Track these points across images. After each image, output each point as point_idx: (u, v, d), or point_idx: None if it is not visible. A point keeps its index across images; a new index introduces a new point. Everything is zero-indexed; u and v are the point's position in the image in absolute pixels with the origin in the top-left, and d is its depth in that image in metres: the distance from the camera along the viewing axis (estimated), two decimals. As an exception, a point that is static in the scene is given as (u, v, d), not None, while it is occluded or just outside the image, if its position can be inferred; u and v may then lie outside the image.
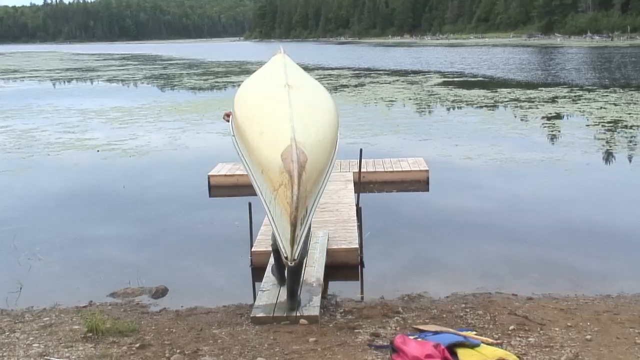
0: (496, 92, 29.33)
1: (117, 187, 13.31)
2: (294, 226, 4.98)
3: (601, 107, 22.44)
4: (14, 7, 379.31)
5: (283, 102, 5.86)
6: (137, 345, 5.82)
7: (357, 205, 10.07)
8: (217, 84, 40.46)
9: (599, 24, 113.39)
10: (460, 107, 24.43)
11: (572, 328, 5.94)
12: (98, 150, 17.31)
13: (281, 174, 5.11)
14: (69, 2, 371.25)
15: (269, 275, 7.32)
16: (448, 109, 24.19)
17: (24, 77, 54.85)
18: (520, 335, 5.77)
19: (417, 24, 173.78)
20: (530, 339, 5.67)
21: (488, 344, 5.48)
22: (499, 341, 5.61)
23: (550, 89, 30.06)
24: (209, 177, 13.14)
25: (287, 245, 5.23)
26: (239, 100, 6.85)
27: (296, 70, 7.62)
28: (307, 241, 6.64)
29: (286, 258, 5.37)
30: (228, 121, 6.72)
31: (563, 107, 23.08)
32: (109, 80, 47.28)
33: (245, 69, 55.80)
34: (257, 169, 5.56)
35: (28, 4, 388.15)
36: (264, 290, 6.94)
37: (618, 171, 13.76)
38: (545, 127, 19.09)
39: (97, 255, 9.15)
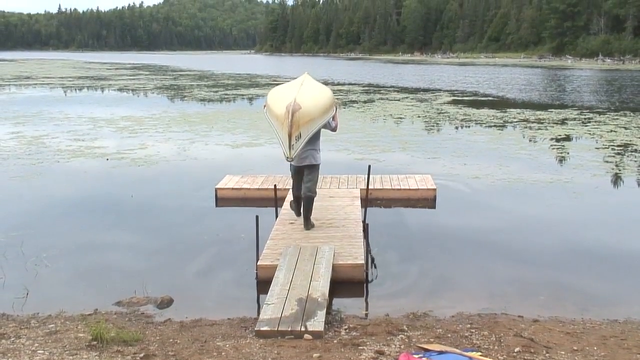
0: (505, 112, 29.33)
1: (125, 196, 13.34)
2: (289, 137, 8.53)
3: (611, 130, 22.42)
4: (28, 14, 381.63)
5: (295, 88, 9.60)
6: (142, 355, 5.82)
7: (364, 221, 10.07)
8: (226, 96, 40.55)
9: (610, 46, 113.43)
10: (469, 126, 24.43)
11: (578, 352, 5.91)
12: (107, 159, 17.37)
13: (285, 114, 8.68)
14: (83, 11, 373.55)
15: (274, 289, 7.33)
16: (457, 128, 24.19)
17: (36, 84, 55.09)
18: (525, 357, 5.74)
19: (428, 42, 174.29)
20: (535, 362, 5.65)
21: (493, 365, 5.47)
22: (504, 362, 5.59)
23: (560, 110, 30.06)
24: (216, 190, 13.15)
25: (287, 149, 8.61)
26: (270, 92, 10.41)
27: (312, 81, 10.65)
28: (315, 182, 9.96)
29: (287, 158, 8.73)
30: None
31: (572, 129, 23.07)
32: (120, 90, 47.46)
33: (255, 82, 56.03)
34: (274, 118, 9.20)
35: (42, 12, 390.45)
36: (269, 304, 6.93)
37: (627, 195, 13.72)
38: (554, 148, 19.06)
39: (104, 264, 9.17)
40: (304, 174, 9.80)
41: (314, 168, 9.81)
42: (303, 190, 9.83)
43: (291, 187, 10.43)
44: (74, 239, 10.38)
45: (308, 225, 9.86)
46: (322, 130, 9.87)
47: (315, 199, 10.06)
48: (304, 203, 9.88)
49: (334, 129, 10.24)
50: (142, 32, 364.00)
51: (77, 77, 66.66)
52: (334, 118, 10.08)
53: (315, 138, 9.62)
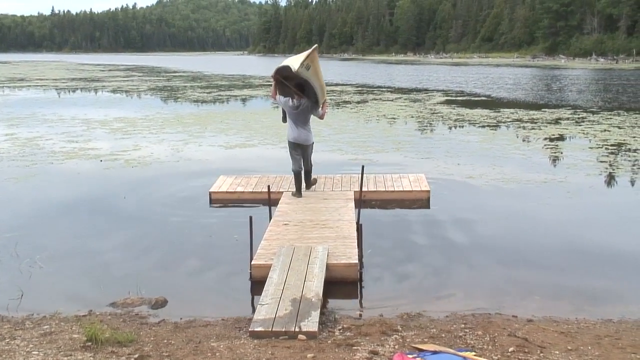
0: (499, 112, 29.37)
1: (118, 197, 13.32)
2: (305, 58, 10.84)
3: (605, 130, 22.46)
4: (21, 16, 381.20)
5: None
6: (136, 355, 5.82)
7: (357, 222, 10.08)
8: (220, 97, 40.55)
9: (604, 46, 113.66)
10: (462, 126, 24.46)
11: (572, 352, 5.92)
12: (101, 160, 17.35)
13: (307, 51, 11.15)
14: (76, 13, 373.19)
15: (268, 289, 7.34)
16: (450, 128, 24.21)
17: (29, 85, 55.00)
18: (519, 357, 5.75)
19: (421, 42, 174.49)
20: (529, 361, 5.66)
21: (487, 364, 5.47)
22: (498, 362, 5.59)
23: (553, 110, 30.10)
24: (210, 193, 13.11)
25: (298, 64, 10.74)
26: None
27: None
28: (309, 157, 12.16)
29: (293, 69, 10.76)
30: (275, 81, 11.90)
31: (566, 129, 23.11)
32: (113, 91, 47.41)
33: (248, 83, 56.00)
34: (292, 59, 11.35)
35: (36, 14, 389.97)
36: (263, 304, 6.93)
37: (621, 194, 13.74)
38: (547, 148, 19.09)
39: (97, 265, 9.15)
40: (300, 152, 11.94)
41: (307, 147, 12.01)
42: (302, 165, 12.11)
43: (291, 165, 12.21)
44: (68, 240, 10.37)
45: (308, 187, 12.57)
46: (312, 117, 12.06)
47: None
48: (304, 176, 12.29)
49: (321, 117, 12.09)
50: (136, 34, 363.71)
51: (70, 79, 66.56)
52: (323, 107, 11.95)
53: (306, 120, 11.85)
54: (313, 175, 12.78)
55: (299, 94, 11.51)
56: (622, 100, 35.58)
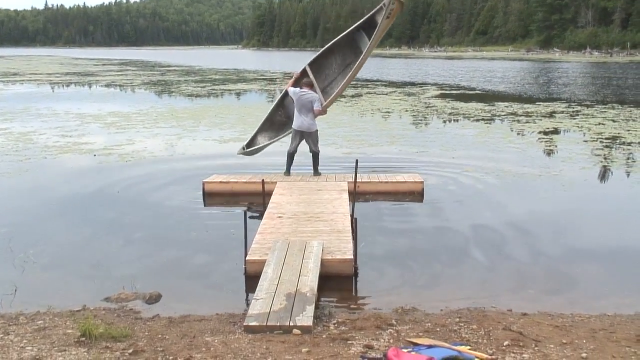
0: (493, 105, 29.38)
1: (112, 191, 13.28)
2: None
3: (599, 123, 22.49)
4: (15, 10, 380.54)
5: None
6: (130, 350, 5.80)
7: (352, 215, 10.06)
8: (214, 91, 40.48)
9: (598, 39, 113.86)
10: (457, 120, 24.47)
11: (567, 345, 5.91)
12: (95, 155, 17.29)
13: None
14: (69, 7, 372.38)
15: (262, 284, 7.32)
16: (445, 121, 24.21)
17: (23, 80, 54.83)
18: (514, 351, 5.75)
19: (415, 36, 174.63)
20: (524, 355, 5.65)
21: (482, 359, 5.46)
22: (493, 357, 5.58)
23: (547, 103, 30.12)
24: (203, 183, 13.09)
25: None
26: None
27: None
28: (315, 142, 13.38)
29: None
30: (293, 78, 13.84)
31: (561, 122, 23.12)
32: (107, 85, 47.30)
33: (242, 77, 55.84)
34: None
35: (29, 8, 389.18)
36: (258, 299, 6.91)
37: (616, 187, 13.77)
38: (542, 141, 19.10)
39: (91, 260, 9.11)
40: (301, 138, 13.29)
41: (311, 134, 13.27)
42: (310, 149, 13.46)
43: (290, 145, 13.53)
44: (62, 235, 10.34)
45: (316, 173, 13.58)
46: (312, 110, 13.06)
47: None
48: (312, 159, 13.58)
49: (315, 112, 13.09)
50: (129, 28, 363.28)
51: (64, 74, 66.37)
52: (323, 107, 13.22)
53: (310, 109, 13.01)
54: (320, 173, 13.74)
55: (310, 84, 13.32)
56: (619, 93, 35.61)
